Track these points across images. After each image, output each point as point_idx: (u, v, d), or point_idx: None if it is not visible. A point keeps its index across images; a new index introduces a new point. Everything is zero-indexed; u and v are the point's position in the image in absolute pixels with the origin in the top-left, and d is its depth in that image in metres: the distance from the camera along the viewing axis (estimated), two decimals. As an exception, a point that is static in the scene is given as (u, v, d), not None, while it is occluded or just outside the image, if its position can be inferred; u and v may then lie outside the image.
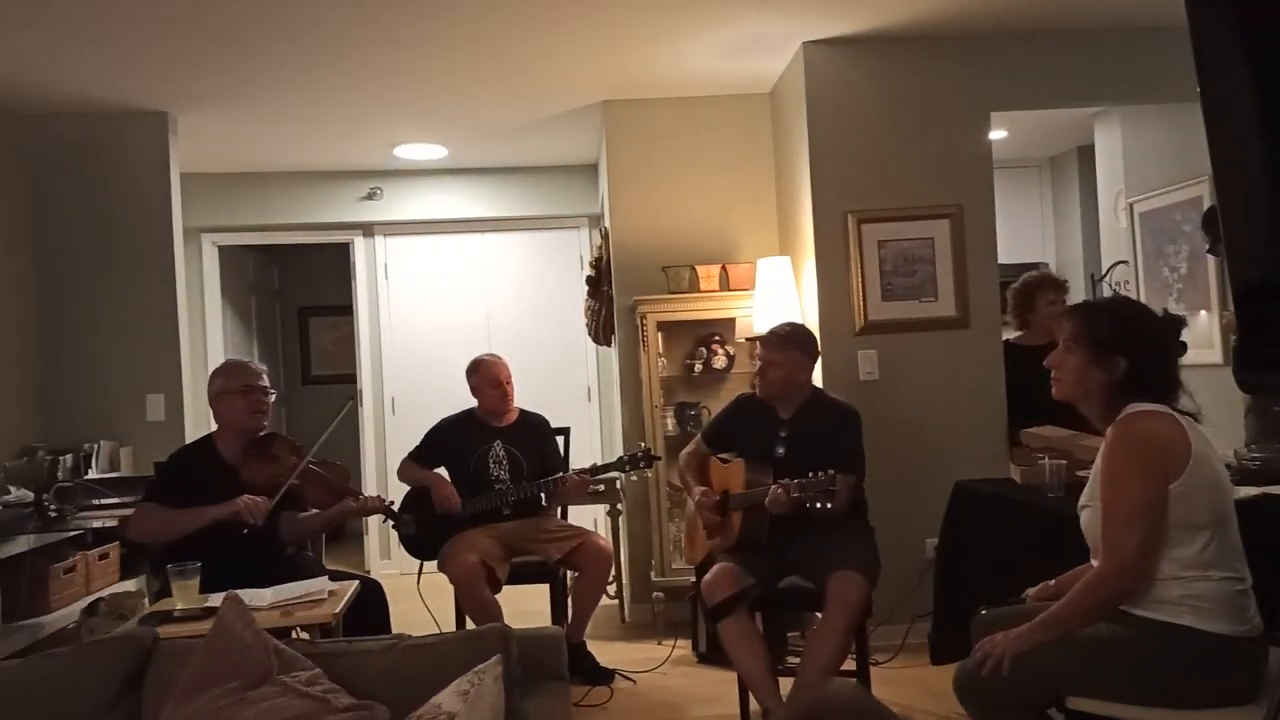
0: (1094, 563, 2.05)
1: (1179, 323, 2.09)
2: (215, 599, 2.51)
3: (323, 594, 2.58)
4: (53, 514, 3.66)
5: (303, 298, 7.74)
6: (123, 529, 3.47)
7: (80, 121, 4.43)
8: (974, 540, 3.15)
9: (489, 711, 1.48)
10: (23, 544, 3.48)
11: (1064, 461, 2.84)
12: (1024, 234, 6.22)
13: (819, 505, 2.83)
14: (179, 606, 2.44)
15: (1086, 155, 5.79)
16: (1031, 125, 5.45)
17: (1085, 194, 5.96)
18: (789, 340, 3.24)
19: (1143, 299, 4.78)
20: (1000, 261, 4.24)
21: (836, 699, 1.08)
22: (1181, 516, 1.91)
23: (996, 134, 5.37)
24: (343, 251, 6.34)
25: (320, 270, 7.51)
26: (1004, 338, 4.15)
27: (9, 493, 3.81)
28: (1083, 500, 2.10)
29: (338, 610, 2.48)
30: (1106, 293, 5.24)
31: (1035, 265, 5.81)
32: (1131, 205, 5.02)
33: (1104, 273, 5.39)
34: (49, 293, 4.45)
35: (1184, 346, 2.07)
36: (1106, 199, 5.36)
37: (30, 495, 3.81)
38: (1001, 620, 2.21)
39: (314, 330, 7.86)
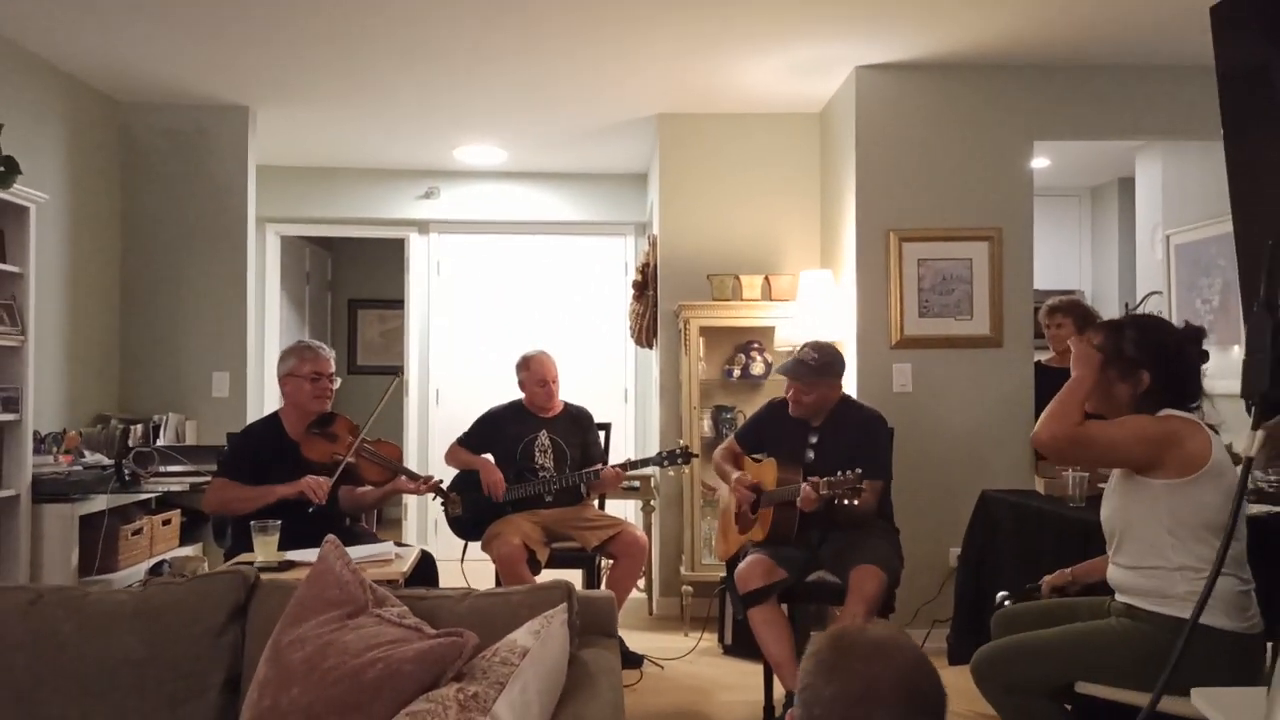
0: (1109, 550, 2.20)
1: (1200, 333, 2.23)
2: (291, 555, 2.73)
3: (390, 556, 2.78)
4: (128, 477, 3.90)
5: (353, 290, 8.01)
6: (199, 500, 3.68)
7: (171, 111, 4.73)
8: (996, 547, 3.29)
9: (558, 650, 1.67)
10: (101, 503, 3.73)
11: (1086, 474, 2.99)
12: (1062, 261, 6.35)
13: (846, 502, 2.98)
14: (259, 559, 2.66)
15: (1127, 187, 5.91)
16: (1074, 155, 5.59)
17: (1124, 224, 6.07)
18: (820, 372, 3.33)
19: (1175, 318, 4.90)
20: (1038, 286, 4.38)
21: (871, 632, 1.17)
22: (1197, 517, 2.06)
23: (1039, 162, 5.52)
24: (395, 247, 6.59)
25: (371, 264, 7.79)
26: (1036, 359, 4.30)
27: (84, 456, 4.07)
28: (1105, 494, 2.25)
29: (405, 570, 2.69)
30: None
31: (1070, 291, 5.93)
32: (1168, 237, 5.13)
33: (1138, 302, 5.50)
34: (132, 270, 4.74)
35: (1206, 355, 2.21)
36: (1144, 230, 5.48)
37: (104, 459, 4.06)
38: (1019, 615, 2.36)
39: (362, 322, 8.13)
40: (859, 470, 2.96)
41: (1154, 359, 2.17)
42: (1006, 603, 2.50)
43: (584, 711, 1.64)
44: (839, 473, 3.00)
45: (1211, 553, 2.04)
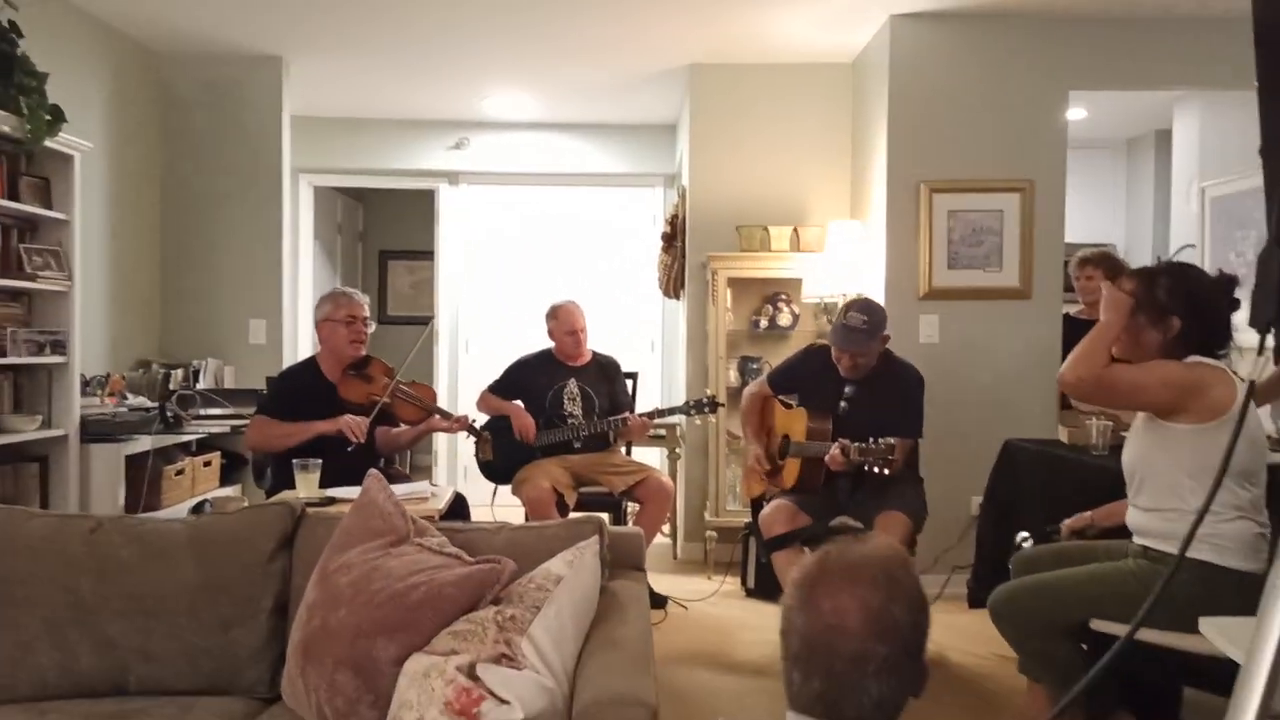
0: (1129, 492, 2.24)
1: (1232, 282, 2.25)
2: (331, 492, 2.83)
3: (426, 494, 2.88)
4: (171, 419, 4.02)
5: (384, 241, 8.09)
6: (241, 438, 3.80)
7: (207, 62, 4.79)
8: (1019, 495, 3.34)
9: (590, 578, 1.75)
10: (145, 444, 3.86)
11: (1110, 423, 3.02)
12: (1096, 213, 6.27)
13: (877, 470, 2.98)
14: (302, 495, 2.76)
15: (1163, 140, 5.82)
16: (1111, 107, 5.50)
17: (1159, 177, 5.99)
18: (872, 334, 3.27)
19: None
20: (1071, 239, 4.36)
21: (851, 554, 1.17)
22: (1216, 459, 2.09)
23: (1075, 114, 5.44)
24: (425, 198, 6.64)
25: (401, 215, 7.85)
26: (1064, 311, 4.30)
27: (127, 399, 4.20)
28: (1129, 437, 2.29)
29: (440, 507, 2.79)
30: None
31: (1103, 245, 5.88)
32: (1204, 190, 5.07)
33: (1171, 255, 5.45)
34: (171, 220, 4.84)
35: (1237, 304, 2.23)
36: (1180, 182, 5.41)
37: (147, 402, 4.19)
38: (1040, 558, 2.42)
39: (392, 272, 8.21)
40: (892, 442, 2.96)
41: (1185, 306, 2.19)
42: (1026, 544, 2.56)
43: (615, 634, 1.73)
44: (871, 440, 3.00)
45: (1232, 497, 2.08)
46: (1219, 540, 2.09)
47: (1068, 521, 2.54)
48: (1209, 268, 4.99)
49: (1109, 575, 2.20)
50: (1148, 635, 2.15)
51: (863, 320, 3.26)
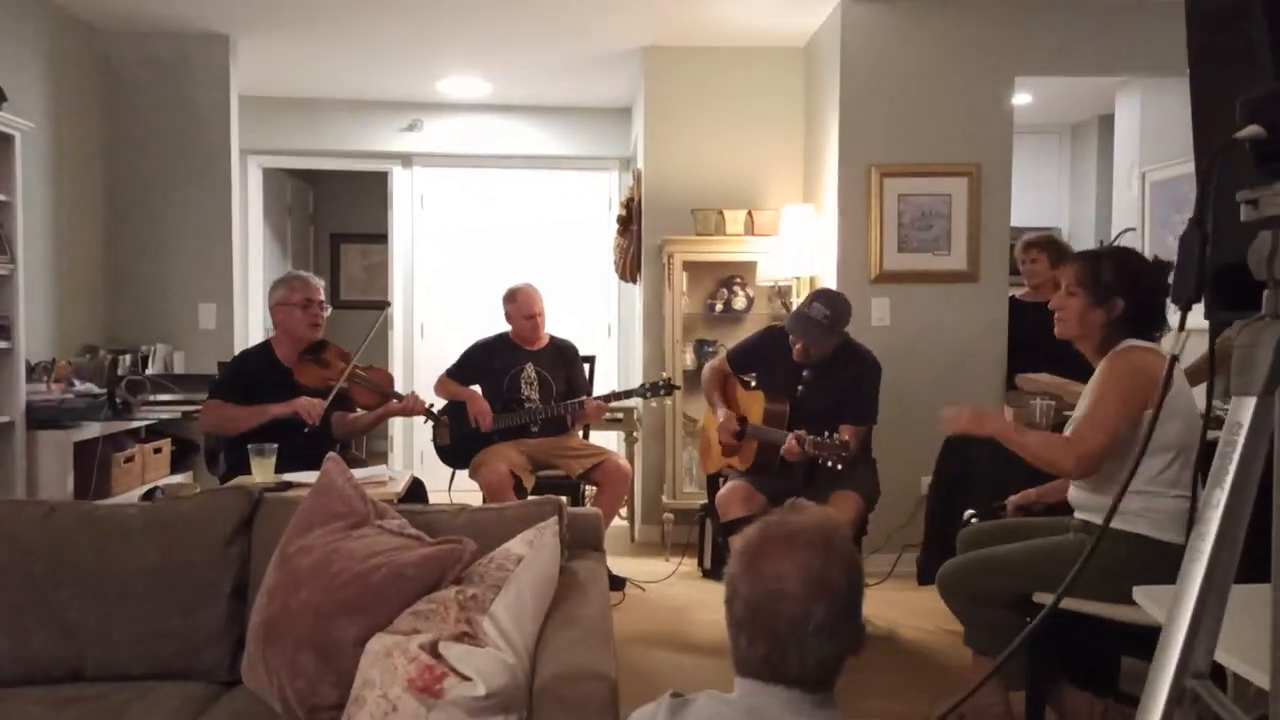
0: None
1: (1168, 266, 2.35)
2: (287, 477, 2.82)
3: (384, 478, 2.88)
4: (120, 405, 3.95)
5: (336, 224, 7.98)
6: (193, 425, 3.75)
7: (151, 39, 4.67)
8: (966, 473, 3.43)
9: (549, 558, 1.78)
10: (94, 430, 3.80)
11: (1053, 403, 3.11)
12: (1041, 197, 6.42)
13: (829, 464, 3.05)
14: (258, 480, 2.74)
15: (1106, 125, 5.96)
16: (1056, 92, 5.62)
17: (1103, 162, 6.14)
18: (831, 329, 3.29)
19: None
20: (1017, 223, 4.47)
21: (791, 524, 1.23)
22: (1155, 440, 2.19)
23: (1021, 99, 5.55)
24: (377, 180, 6.57)
25: (354, 198, 7.74)
26: (1011, 294, 4.41)
27: (74, 385, 4.12)
28: (1070, 420, 2.38)
29: (399, 491, 2.79)
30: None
31: (1048, 228, 6.02)
32: (1145, 174, 5.22)
33: (1113, 239, 5.60)
34: (117, 201, 4.73)
35: (1169, 288, 2.32)
36: (1122, 167, 5.56)
37: (94, 389, 4.11)
38: (986, 533, 2.50)
39: (345, 256, 8.11)
40: (846, 438, 3.03)
41: (1128, 288, 2.28)
42: (973, 520, 2.64)
43: (575, 612, 1.76)
44: (826, 434, 3.06)
45: (1168, 473, 2.17)
46: (1155, 515, 2.18)
47: (1013, 498, 2.63)
48: (1148, 250, 5.17)
49: (1050, 549, 2.28)
50: (1089, 607, 2.24)
51: (825, 314, 3.29)
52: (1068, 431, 2.38)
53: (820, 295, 3.43)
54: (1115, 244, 5.46)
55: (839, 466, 3.04)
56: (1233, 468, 0.86)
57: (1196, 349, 3.08)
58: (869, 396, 3.41)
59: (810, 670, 1.18)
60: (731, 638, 1.23)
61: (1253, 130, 0.85)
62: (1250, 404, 0.88)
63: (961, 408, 2.39)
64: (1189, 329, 0.86)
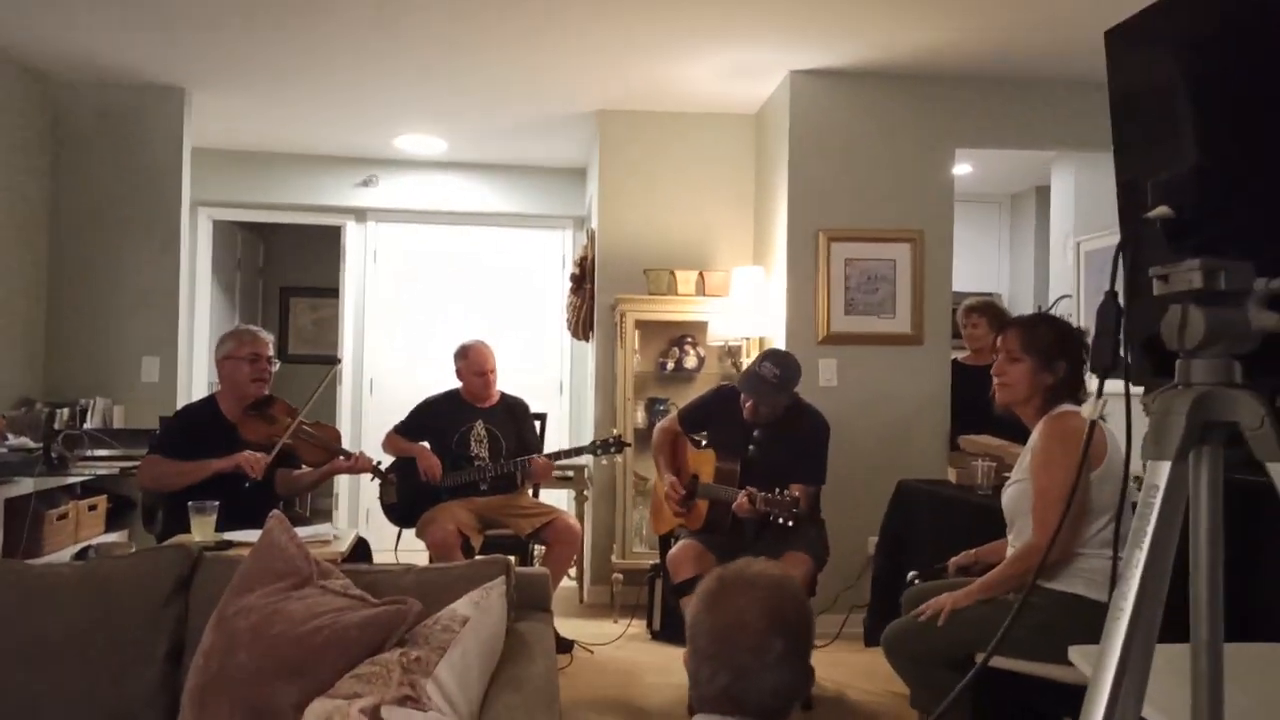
0: (1009, 536, 2.38)
1: (1084, 333, 2.46)
2: (228, 536, 2.76)
3: (328, 536, 2.83)
4: (55, 460, 3.85)
5: (286, 277, 7.92)
6: (130, 481, 3.66)
7: (104, 90, 4.66)
8: (911, 532, 3.48)
9: (496, 619, 1.76)
10: (26, 486, 3.68)
11: (994, 464, 3.18)
12: (982, 264, 6.63)
13: (781, 520, 3.08)
14: (197, 539, 2.68)
15: (1043, 195, 6.21)
16: (996, 164, 5.85)
17: (1040, 230, 6.37)
18: (780, 389, 3.35)
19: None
20: (959, 288, 4.60)
21: (747, 570, 1.38)
22: (1090, 500, 2.25)
23: (963, 169, 5.76)
24: (329, 235, 6.56)
25: (305, 252, 7.70)
26: (953, 357, 4.52)
27: (8, 439, 4.00)
28: (1009, 480, 2.44)
29: (343, 549, 2.74)
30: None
31: (989, 293, 6.21)
32: (1079, 244, 5.42)
33: (1050, 305, 5.79)
34: (58, 251, 4.65)
35: (1088, 350, 2.43)
36: (1057, 236, 5.77)
37: (30, 443, 4.00)
38: (930, 591, 2.53)
39: (294, 310, 8.04)
40: (796, 495, 3.07)
41: (1065, 353, 2.36)
42: (916, 581, 2.67)
43: (521, 674, 1.74)
44: (777, 491, 3.10)
45: (1098, 533, 2.23)
46: (1091, 575, 2.23)
47: (953, 559, 2.68)
48: (1083, 316, 5.35)
49: (990, 610, 2.32)
50: (1028, 667, 2.28)
51: (775, 374, 3.35)
52: (1006, 493, 2.43)
53: (770, 355, 3.49)
54: (1049, 310, 5.67)
55: (790, 523, 3.07)
56: (1150, 529, 0.90)
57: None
58: (819, 456, 3.46)
59: (767, 700, 1.28)
60: (691, 675, 1.33)
61: (1161, 211, 0.91)
62: (1165, 468, 0.92)
63: (937, 601, 2.41)
64: (1106, 395, 0.91)
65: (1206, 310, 0.90)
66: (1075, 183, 5.52)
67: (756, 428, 3.47)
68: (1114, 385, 0.97)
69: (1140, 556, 0.88)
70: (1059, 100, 4.51)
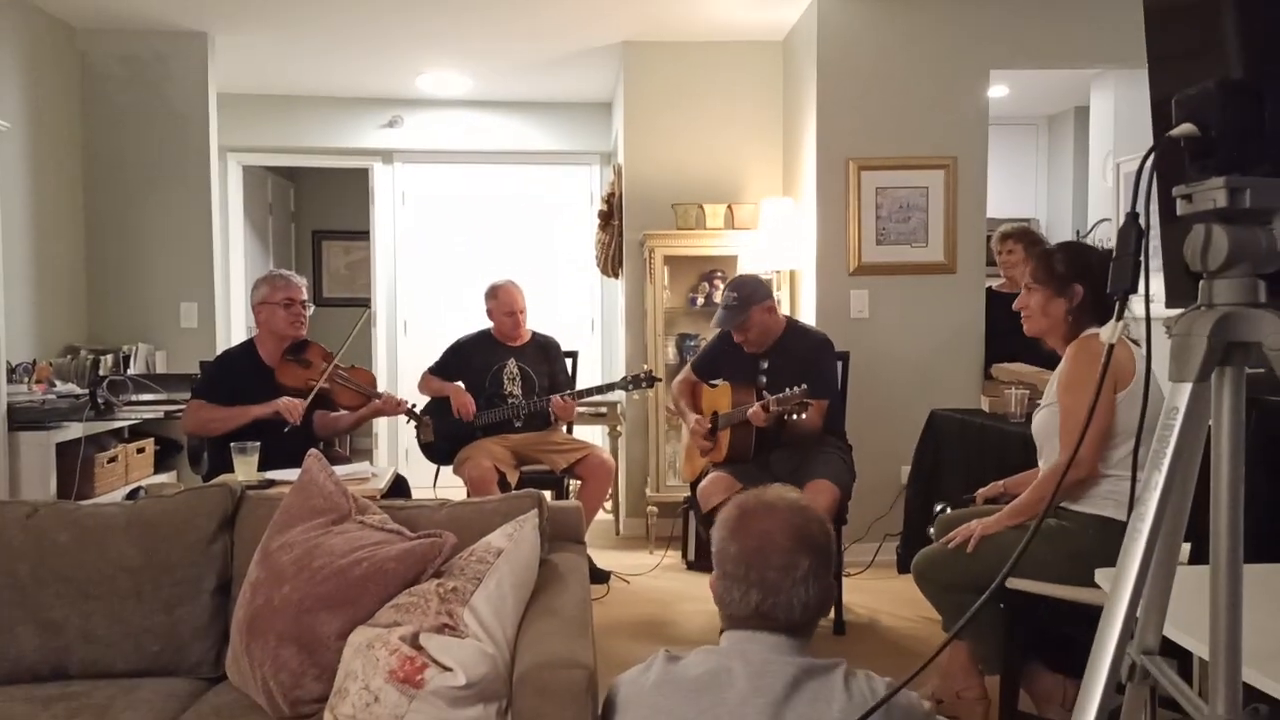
0: (1039, 459, 2.38)
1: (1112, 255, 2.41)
2: (270, 475, 2.84)
3: (367, 475, 2.90)
4: (102, 405, 3.96)
5: (317, 221, 7.97)
6: (175, 424, 3.76)
7: (128, 37, 4.66)
8: (943, 462, 3.48)
9: (529, 551, 1.81)
10: (76, 430, 3.80)
11: (1027, 391, 3.16)
12: (1019, 189, 6.49)
13: (795, 416, 3.15)
14: (240, 479, 2.76)
15: (1082, 116, 6.03)
16: (1032, 84, 5.68)
17: (1079, 153, 6.20)
18: (743, 307, 3.39)
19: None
20: (994, 214, 4.51)
21: (765, 495, 1.44)
22: (1118, 422, 2.24)
23: (998, 91, 5.61)
24: (358, 177, 6.57)
25: (335, 195, 7.74)
26: (988, 285, 4.46)
27: (55, 386, 4.12)
28: (1038, 406, 2.43)
29: (381, 487, 2.82)
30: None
31: (1025, 219, 6.09)
32: (1119, 165, 5.28)
33: (1088, 229, 5.67)
34: (96, 201, 4.72)
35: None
36: (1096, 157, 5.62)
37: (76, 389, 4.11)
38: (958, 520, 2.55)
39: (327, 253, 8.11)
40: (804, 386, 3.12)
41: (1084, 275, 2.33)
42: (946, 511, 2.69)
43: (554, 603, 1.79)
44: (787, 389, 3.15)
45: (1127, 455, 2.22)
46: (1120, 498, 2.23)
47: (981, 491, 2.68)
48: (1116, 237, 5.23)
49: (1020, 536, 2.33)
50: (1058, 591, 2.29)
51: (733, 297, 3.43)
52: (1036, 417, 2.43)
53: (729, 284, 3.59)
54: (1086, 235, 5.55)
55: (803, 416, 3.14)
56: (1169, 451, 0.90)
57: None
58: (826, 372, 3.50)
59: (797, 615, 1.35)
60: (720, 597, 1.40)
61: (1186, 128, 0.89)
62: (1186, 389, 0.92)
63: (967, 528, 2.40)
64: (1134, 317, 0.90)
65: (1230, 229, 0.88)
66: (1115, 101, 5.35)
67: (762, 357, 3.51)
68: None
69: (1159, 479, 0.88)
70: (1099, 14, 4.34)
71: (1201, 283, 0.93)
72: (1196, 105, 0.89)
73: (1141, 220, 0.92)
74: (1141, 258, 0.92)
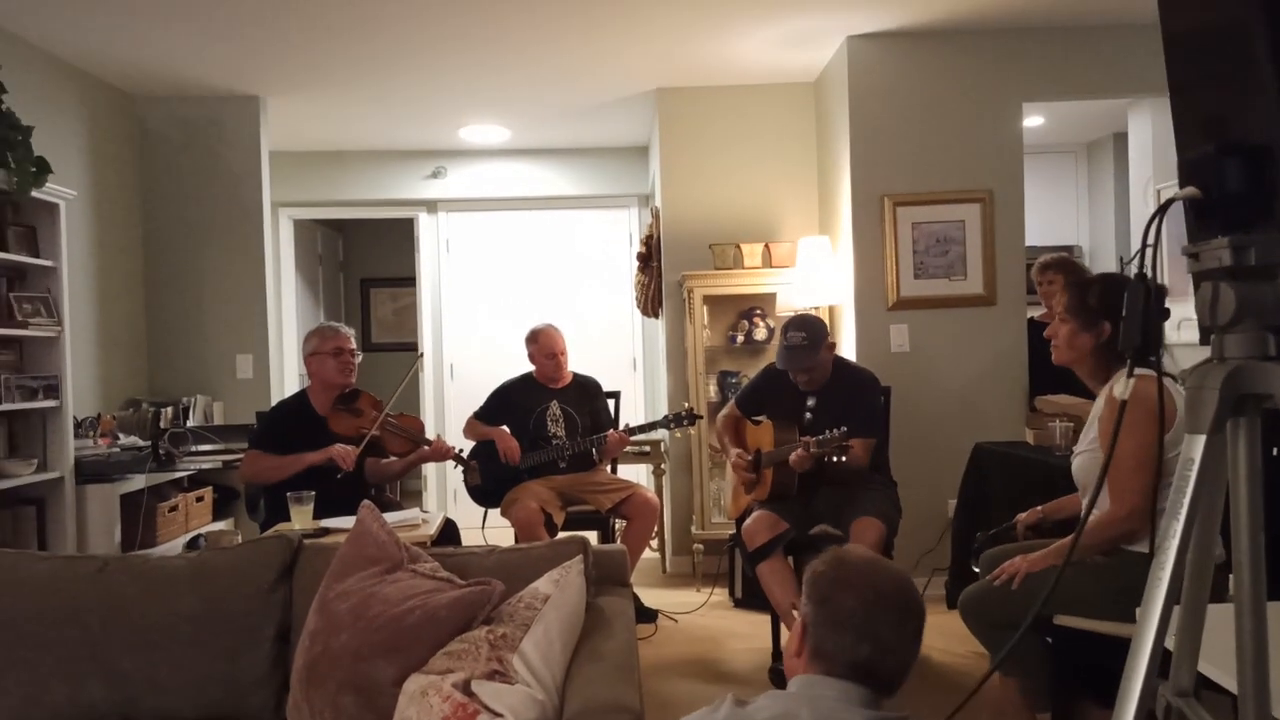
0: (1081, 500, 2.37)
1: (1162, 291, 2.39)
2: (325, 523, 2.93)
3: (417, 521, 2.98)
4: (164, 457, 4.11)
5: (365, 269, 8.19)
6: (233, 473, 3.89)
7: (184, 103, 4.90)
8: (989, 495, 3.47)
9: (575, 596, 1.86)
10: (140, 481, 3.95)
11: (1071, 424, 3.15)
12: (1059, 217, 6.45)
13: (835, 459, 3.15)
14: (297, 527, 2.86)
15: (1121, 142, 6.00)
16: (1069, 112, 5.68)
17: (1119, 179, 6.17)
18: (812, 349, 3.41)
19: (1165, 282, 5.03)
20: (1035, 243, 4.51)
21: (857, 553, 1.46)
22: (1165, 464, 2.23)
23: (1034, 120, 5.62)
24: (405, 226, 6.75)
25: (382, 244, 7.96)
26: (1029, 315, 4.45)
27: (119, 438, 4.28)
28: (1077, 449, 2.43)
29: (432, 533, 2.89)
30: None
31: (1068, 248, 6.05)
32: (1159, 191, 5.25)
33: (1132, 256, 5.62)
34: (155, 260, 4.93)
35: (1167, 313, 2.36)
36: (1137, 184, 5.58)
37: (139, 441, 4.27)
38: (1002, 555, 2.55)
39: (375, 300, 8.32)
40: (844, 429, 3.13)
41: (1115, 313, 2.33)
42: (986, 541, 2.69)
43: (601, 647, 1.84)
44: (827, 431, 3.17)
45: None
46: (1164, 534, 2.22)
47: (1021, 516, 2.68)
48: (1166, 267, 5.18)
49: (1066, 574, 2.32)
50: (1106, 627, 2.28)
51: (802, 337, 3.43)
52: (1075, 461, 2.42)
53: (791, 323, 3.55)
54: (1129, 263, 5.49)
55: (844, 459, 3.13)
56: (1186, 501, 0.93)
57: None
58: (871, 410, 3.50)
59: (896, 675, 1.35)
60: (825, 638, 1.35)
61: (1189, 191, 0.93)
62: (1201, 441, 0.95)
63: (1011, 564, 2.42)
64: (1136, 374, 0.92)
65: (1237, 285, 0.91)
66: (1154, 127, 5.32)
67: (810, 395, 3.53)
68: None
69: (1177, 528, 0.91)
70: (1130, 44, 4.36)
71: (1213, 337, 0.96)
72: (1198, 169, 0.92)
73: (1150, 275, 0.95)
74: (1150, 317, 0.95)
